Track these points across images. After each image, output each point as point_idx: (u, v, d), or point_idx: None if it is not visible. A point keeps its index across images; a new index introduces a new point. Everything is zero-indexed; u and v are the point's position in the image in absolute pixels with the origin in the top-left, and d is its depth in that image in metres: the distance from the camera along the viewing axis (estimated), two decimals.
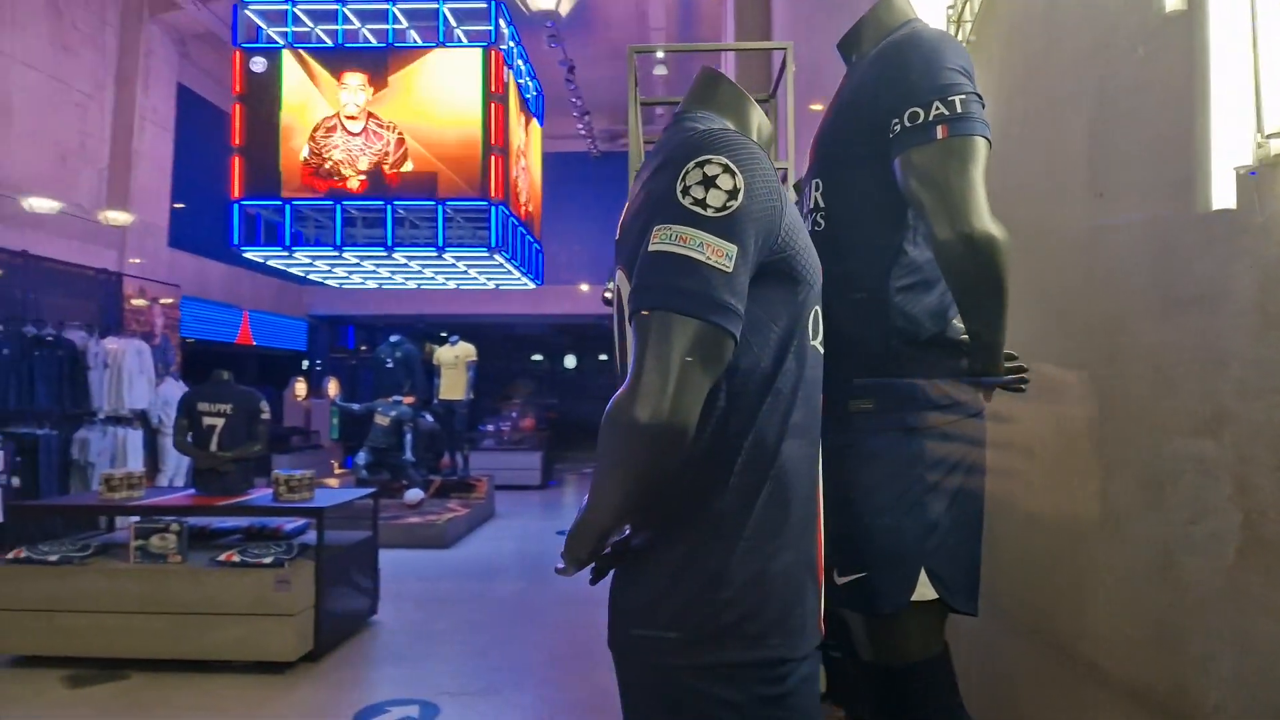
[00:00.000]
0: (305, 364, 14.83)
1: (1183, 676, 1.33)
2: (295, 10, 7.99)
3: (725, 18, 7.29)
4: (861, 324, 1.40)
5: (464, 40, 8.30)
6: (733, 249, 0.95)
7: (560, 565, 1.05)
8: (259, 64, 8.00)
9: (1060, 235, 1.79)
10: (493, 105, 7.80)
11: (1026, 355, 1.93)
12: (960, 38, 2.39)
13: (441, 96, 7.93)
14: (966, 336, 1.38)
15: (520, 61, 9.06)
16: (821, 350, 1.14)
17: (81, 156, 8.51)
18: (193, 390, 4.86)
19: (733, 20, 6.85)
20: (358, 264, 8.94)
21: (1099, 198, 1.62)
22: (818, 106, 3.91)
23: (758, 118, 1.18)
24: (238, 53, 8.02)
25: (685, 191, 0.97)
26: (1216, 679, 1.27)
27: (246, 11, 8.04)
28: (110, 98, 8.89)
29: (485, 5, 7.84)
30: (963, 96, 1.29)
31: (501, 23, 7.98)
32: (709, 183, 0.96)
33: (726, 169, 0.97)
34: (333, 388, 13.32)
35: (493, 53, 7.86)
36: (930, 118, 1.28)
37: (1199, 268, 1.28)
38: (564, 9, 6.96)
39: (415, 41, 8.36)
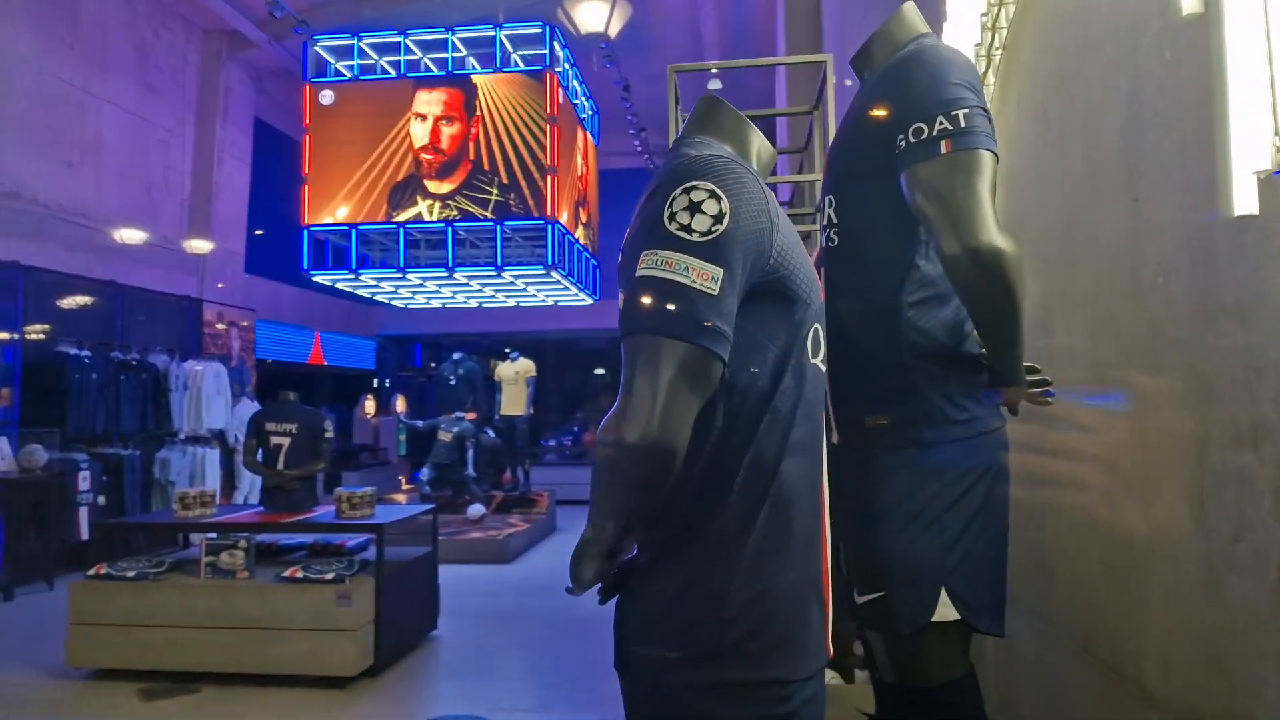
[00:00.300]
0: (376, 382, 15.27)
1: (1231, 701, 1.26)
2: (360, 45, 8.29)
3: (776, 32, 7.29)
4: (875, 339, 1.39)
5: (520, 65, 8.49)
6: (719, 272, 0.97)
7: (569, 585, 1.07)
8: (327, 96, 8.33)
9: (1098, 241, 1.74)
10: (548, 127, 7.95)
11: (1066, 364, 1.87)
12: (995, 44, 2.34)
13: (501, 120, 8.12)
14: (984, 350, 1.35)
15: (576, 82, 9.22)
16: (823, 369, 1.13)
17: (165, 189, 8.99)
18: (261, 410, 5.06)
19: (784, 35, 6.84)
20: (421, 284, 9.19)
21: (1135, 202, 1.57)
22: None
23: (758, 142, 1.20)
24: (308, 87, 8.37)
25: (672, 217, 0.99)
26: (1265, 705, 1.20)
27: (316, 48, 8.38)
28: (191, 133, 9.38)
29: (540, 30, 8.00)
30: (966, 111, 1.28)
31: (556, 46, 8.13)
32: (694, 208, 0.99)
33: (712, 194, 0.99)
34: (400, 405, 13.68)
35: (547, 76, 8.02)
36: (934, 133, 1.28)
37: (1233, 274, 1.23)
38: (613, 30, 7.06)
39: (474, 68, 8.59)
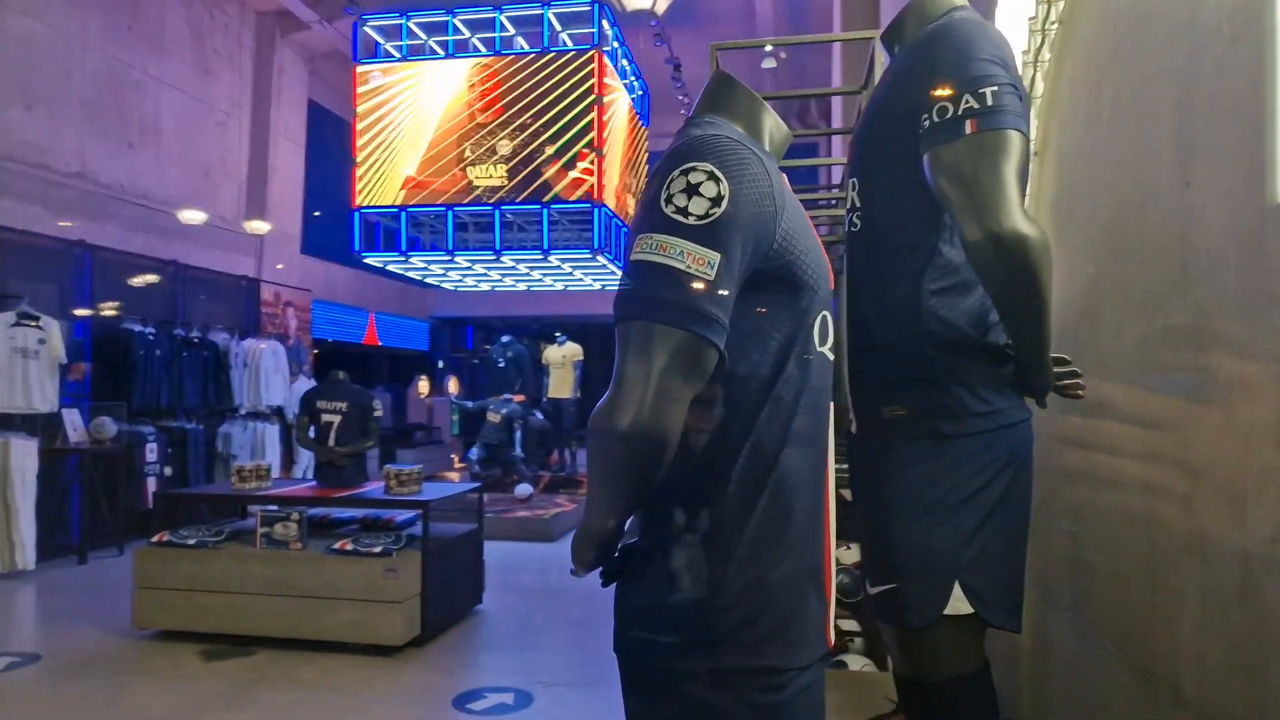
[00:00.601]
0: (430, 363, 15.54)
1: (1263, 708, 1.23)
2: (409, 24, 8.35)
3: (833, 8, 7.12)
4: (895, 328, 1.36)
5: (569, 44, 8.47)
6: (715, 257, 0.95)
7: (572, 567, 1.08)
8: (376, 77, 8.43)
9: (1148, 227, 1.68)
10: (595, 108, 7.93)
11: (1111, 355, 1.81)
12: (1050, 18, 2.26)
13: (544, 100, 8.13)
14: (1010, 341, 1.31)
15: (625, 61, 9.16)
16: (831, 357, 1.11)
17: (222, 171, 9.24)
18: (312, 389, 5.20)
19: (839, 11, 6.69)
20: (469, 267, 9.29)
21: (1185, 187, 1.51)
22: None
23: (770, 122, 1.16)
24: (357, 68, 8.48)
25: (669, 200, 0.97)
26: None
27: (365, 29, 8.48)
28: (247, 116, 9.60)
29: (588, 7, 7.96)
30: (994, 89, 1.22)
31: (605, 24, 8.08)
32: (692, 190, 0.96)
33: (711, 176, 0.96)
34: (453, 385, 13.92)
35: (595, 55, 7.99)
36: (959, 112, 1.22)
37: (1277, 262, 1.18)
38: (660, 8, 6.98)
39: (522, 48, 8.60)
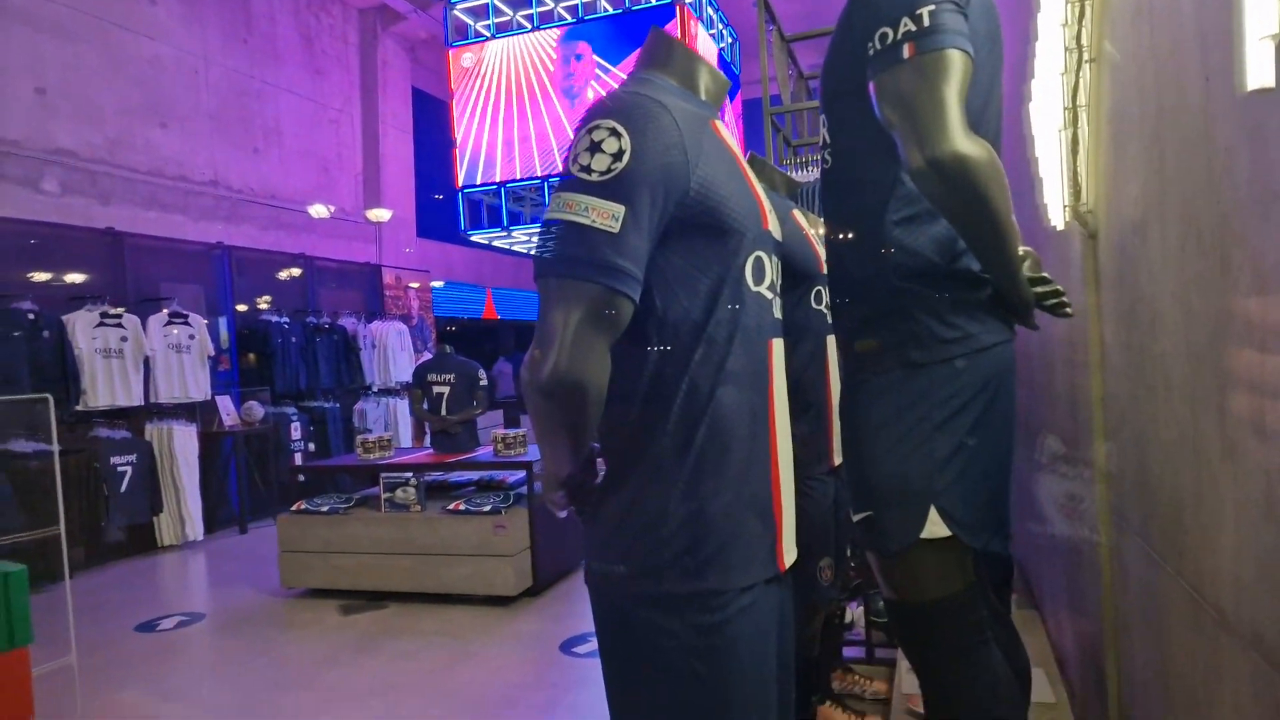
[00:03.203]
0: None
1: None
2: (495, 3, 8.54)
3: None
4: (862, 261, 1.36)
5: (653, 0, 8.42)
6: (620, 209, 0.99)
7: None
8: (468, 59, 8.69)
9: (1180, 128, 1.57)
10: None
11: (1160, 271, 1.72)
12: None
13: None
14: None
15: (711, 10, 9.01)
16: (770, 296, 1.14)
17: (339, 166, 9.81)
18: (422, 364, 5.54)
19: None
20: None
21: (1206, 81, 1.41)
22: None
23: (705, 74, 1.20)
24: (449, 51, 8.76)
25: (575, 159, 1.02)
26: None
27: (454, 11, 8.73)
28: (358, 110, 10.13)
29: None
30: (931, 8, 1.17)
31: None
32: (595, 148, 1.01)
33: (613, 132, 1.01)
34: None
35: (679, 9, 7.92)
36: (899, 37, 1.19)
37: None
38: None
39: (606, 10, 8.62)
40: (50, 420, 3.19)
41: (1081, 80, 2.14)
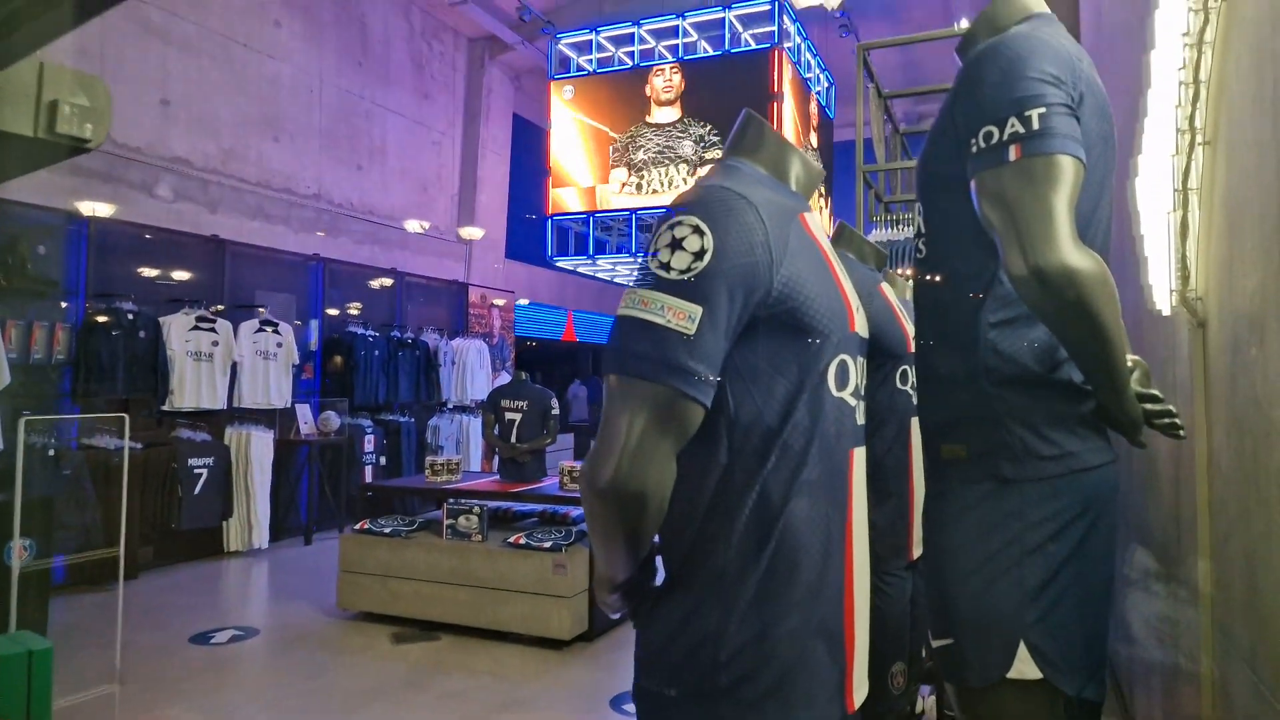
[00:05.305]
0: None
1: None
2: (598, 39, 8.66)
3: None
4: (953, 362, 1.24)
5: (751, 44, 8.39)
6: (697, 310, 0.94)
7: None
8: (567, 91, 8.81)
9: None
10: (771, 104, 7.81)
11: (1261, 362, 1.51)
12: None
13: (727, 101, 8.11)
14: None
15: (809, 55, 8.92)
16: (853, 403, 1.06)
17: (438, 186, 10.07)
18: (497, 388, 5.52)
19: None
20: None
21: None
22: None
23: (797, 165, 1.14)
24: (551, 84, 8.91)
25: (654, 255, 0.98)
26: None
27: (559, 45, 8.89)
28: (459, 133, 10.41)
29: (767, 7, 7.85)
30: (1042, 110, 1.09)
31: (786, 20, 7.93)
32: (675, 245, 0.97)
33: (696, 229, 0.97)
34: None
35: (774, 53, 7.86)
36: (1004, 137, 1.11)
37: None
38: (831, 3, 6.73)
39: (706, 52, 8.63)
40: (125, 436, 3.23)
41: (1194, 163, 1.99)
